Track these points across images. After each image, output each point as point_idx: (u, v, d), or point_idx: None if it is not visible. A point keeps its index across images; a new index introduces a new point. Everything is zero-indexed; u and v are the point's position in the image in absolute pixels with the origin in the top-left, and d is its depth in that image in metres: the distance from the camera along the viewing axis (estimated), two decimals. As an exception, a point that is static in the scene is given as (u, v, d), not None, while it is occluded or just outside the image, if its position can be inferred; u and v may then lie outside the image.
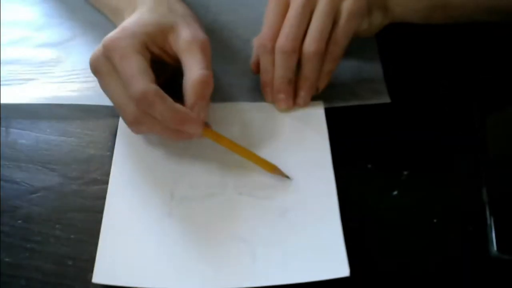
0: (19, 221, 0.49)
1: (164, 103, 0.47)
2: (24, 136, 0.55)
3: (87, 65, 0.51)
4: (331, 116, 0.55)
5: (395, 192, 0.50)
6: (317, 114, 0.55)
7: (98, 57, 0.50)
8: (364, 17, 0.54)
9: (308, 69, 0.53)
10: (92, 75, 0.51)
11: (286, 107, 0.55)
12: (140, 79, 0.47)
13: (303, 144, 0.53)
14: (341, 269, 0.44)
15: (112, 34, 0.50)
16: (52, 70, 0.61)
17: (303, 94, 0.54)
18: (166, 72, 0.54)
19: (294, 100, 0.55)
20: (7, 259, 0.47)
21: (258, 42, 0.54)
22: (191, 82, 0.49)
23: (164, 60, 0.53)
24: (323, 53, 0.52)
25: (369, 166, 0.52)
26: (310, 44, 0.52)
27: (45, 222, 0.49)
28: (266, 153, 0.52)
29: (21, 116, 0.57)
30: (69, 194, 0.51)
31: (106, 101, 0.51)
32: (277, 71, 0.53)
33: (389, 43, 0.61)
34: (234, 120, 0.55)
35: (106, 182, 0.51)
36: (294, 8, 0.52)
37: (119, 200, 0.49)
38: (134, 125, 0.50)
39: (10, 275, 0.46)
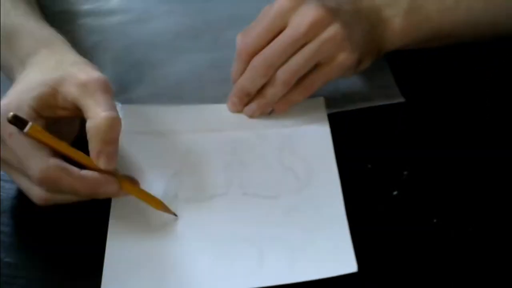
0: (19, 221, 0.49)
1: (69, 176, 0.43)
2: (24, 136, 0.55)
3: None
4: (331, 116, 0.55)
5: (395, 192, 0.50)
6: (318, 111, 0.55)
7: None
8: (351, 70, 0.54)
9: (271, 92, 0.52)
10: None
11: (233, 110, 0.55)
12: (36, 157, 0.43)
13: (304, 140, 0.53)
14: (349, 265, 0.44)
15: None
16: None
17: (254, 107, 0.54)
18: (75, 126, 0.49)
19: (243, 107, 0.54)
20: (7, 259, 0.47)
21: (239, 45, 0.52)
22: (93, 128, 0.43)
23: (66, 117, 0.47)
24: (290, 86, 0.52)
25: (369, 166, 0.52)
26: (284, 72, 0.51)
27: (45, 222, 0.49)
28: (268, 152, 0.52)
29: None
30: (69, 194, 0.51)
31: None
32: (243, 79, 0.53)
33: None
34: (240, 123, 0.55)
35: (106, 182, 0.50)
36: (287, 36, 0.50)
37: (124, 203, 0.49)
38: (46, 204, 0.45)
39: (10, 275, 0.46)
